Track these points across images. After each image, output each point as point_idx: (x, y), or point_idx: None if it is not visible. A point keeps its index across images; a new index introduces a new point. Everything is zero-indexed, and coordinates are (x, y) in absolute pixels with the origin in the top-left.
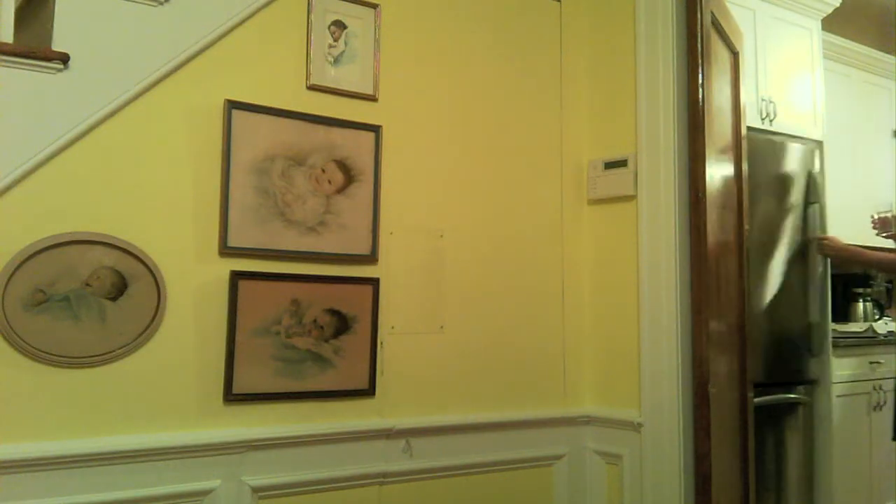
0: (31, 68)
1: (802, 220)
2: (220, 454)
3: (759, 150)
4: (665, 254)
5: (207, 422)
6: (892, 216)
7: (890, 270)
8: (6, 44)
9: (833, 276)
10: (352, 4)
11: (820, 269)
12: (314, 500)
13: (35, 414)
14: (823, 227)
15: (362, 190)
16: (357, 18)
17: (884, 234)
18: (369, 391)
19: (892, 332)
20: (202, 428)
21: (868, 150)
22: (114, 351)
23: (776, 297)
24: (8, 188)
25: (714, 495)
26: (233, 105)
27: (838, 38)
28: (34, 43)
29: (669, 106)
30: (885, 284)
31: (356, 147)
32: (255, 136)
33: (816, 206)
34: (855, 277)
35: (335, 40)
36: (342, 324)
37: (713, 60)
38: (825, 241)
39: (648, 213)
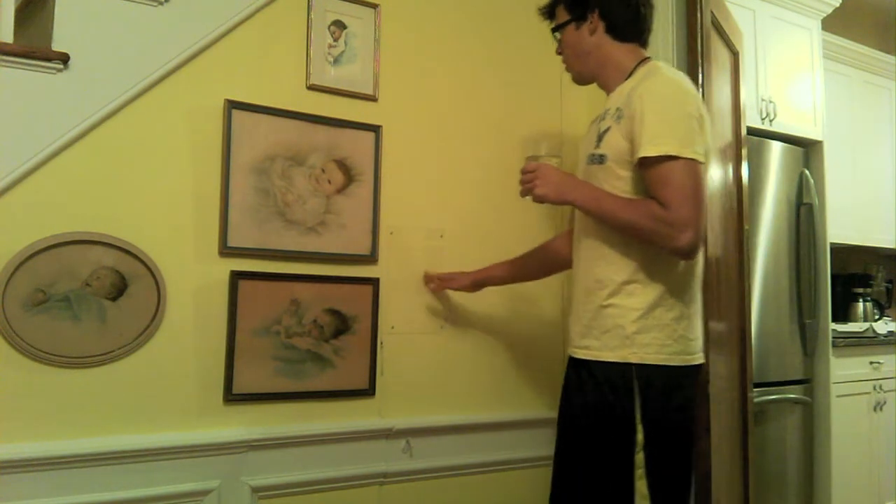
0: (31, 68)
1: (795, 220)
2: (220, 454)
3: (751, 150)
4: None
5: (207, 422)
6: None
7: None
8: (6, 44)
9: (833, 276)
10: (352, 4)
11: (814, 269)
12: (314, 500)
13: (35, 414)
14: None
15: (362, 190)
16: (357, 18)
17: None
18: (369, 391)
19: (892, 332)
20: (202, 428)
21: (868, 150)
22: (114, 351)
23: (770, 296)
24: (8, 188)
25: (714, 495)
26: (233, 105)
27: (838, 38)
28: (34, 43)
29: None
30: (885, 284)
31: (356, 147)
32: (255, 136)
33: (808, 206)
34: (855, 277)
35: (335, 40)
36: (342, 324)
37: (713, 60)
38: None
39: None
